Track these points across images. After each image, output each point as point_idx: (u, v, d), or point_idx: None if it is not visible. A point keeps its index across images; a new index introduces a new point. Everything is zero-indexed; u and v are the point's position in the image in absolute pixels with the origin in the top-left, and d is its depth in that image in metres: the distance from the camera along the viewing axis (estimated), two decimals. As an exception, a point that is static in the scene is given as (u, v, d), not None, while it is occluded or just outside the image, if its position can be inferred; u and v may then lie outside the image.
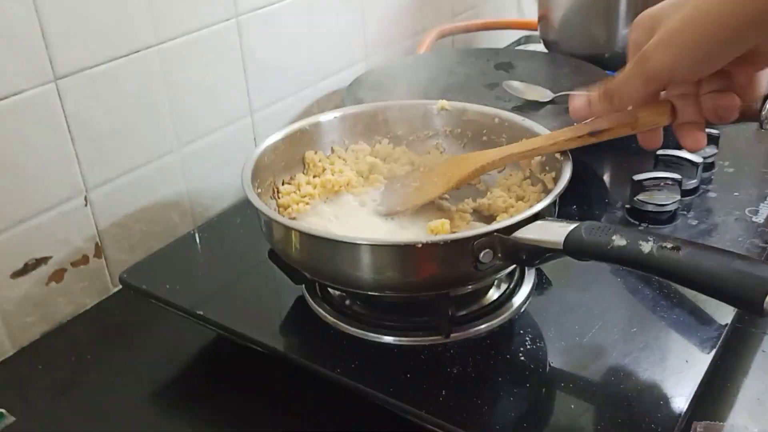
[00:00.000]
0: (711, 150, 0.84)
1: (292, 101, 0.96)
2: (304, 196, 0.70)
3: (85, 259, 0.76)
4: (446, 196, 0.71)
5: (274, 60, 0.91)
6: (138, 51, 0.75)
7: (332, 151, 0.76)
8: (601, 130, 0.60)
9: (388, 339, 0.62)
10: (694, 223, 0.75)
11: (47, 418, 0.64)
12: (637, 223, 0.76)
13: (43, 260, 0.72)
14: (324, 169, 0.73)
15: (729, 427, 0.58)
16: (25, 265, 0.71)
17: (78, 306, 0.76)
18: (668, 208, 0.76)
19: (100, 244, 0.77)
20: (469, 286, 0.62)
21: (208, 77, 0.84)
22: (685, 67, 0.52)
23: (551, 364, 0.59)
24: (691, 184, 0.79)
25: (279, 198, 0.70)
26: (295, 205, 0.69)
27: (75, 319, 0.76)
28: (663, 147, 0.81)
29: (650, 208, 0.76)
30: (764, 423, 0.59)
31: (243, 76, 0.88)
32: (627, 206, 0.78)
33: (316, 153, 0.74)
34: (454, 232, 0.64)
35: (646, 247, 0.50)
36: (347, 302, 0.66)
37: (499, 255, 0.56)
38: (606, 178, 0.89)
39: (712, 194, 0.80)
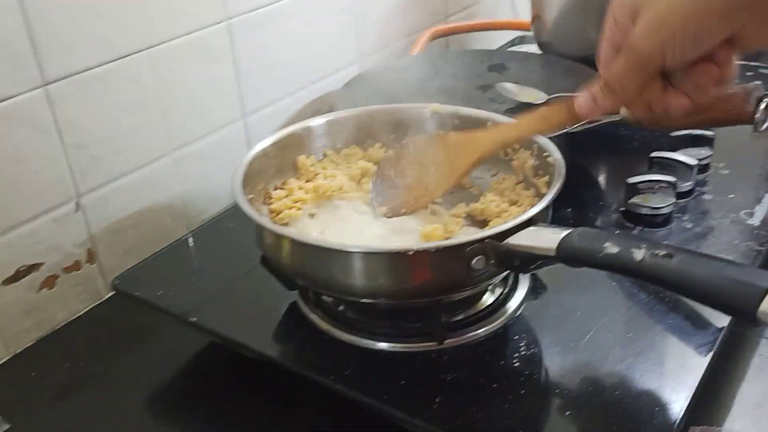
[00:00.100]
0: (706, 152, 0.84)
1: (285, 104, 0.95)
2: (296, 202, 0.69)
3: (77, 265, 0.76)
4: (439, 200, 0.70)
5: (266, 62, 0.91)
6: (128, 55, 0.75)
7: (324, 155, 0.75)
8: None
9: (382, 345, 0.62)
10: (689, 226, 0.75)
11: (42, 424, 0.64)
12: (631, 226, 0.75)
13: (35, 266, 0.72)
14: (316, 174, 0.73)
15: (726, 432, 0.58)
16: (17, 271, 0.70)
17: (71, 312, 0.76)
18: (663, 211, 0.75)
19: (92, 249, 0.77)
20: (463, 293, 0.61)
21: (200, 80, 0.83)
22: (675, 52, 0.52)
23: (546, 370, 0.59)
24: (685, 186, 0.79)
25: (271, 203, 0.70)
26: (287, 211, 0.68)
27: (69, 325, 0.75)
28: (657, 149, 0.82)
29: (645, 211, 0.75)
30: (762, 427, 0.59)
31: (235, 79, 0.87)
32: (622, 209, 0.78)
33: (308, 158, 0.74)
34: (447, 238, 0.64)
35: (639, 254, 0.49)
36: (341, 308, 0.65)
37: (492, 261, 0.56)
38: (601, 180, 0.89)
39: (707, 196, 0.79)
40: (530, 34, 1.15)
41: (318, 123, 0.75)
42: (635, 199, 0.76)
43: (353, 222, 0.68)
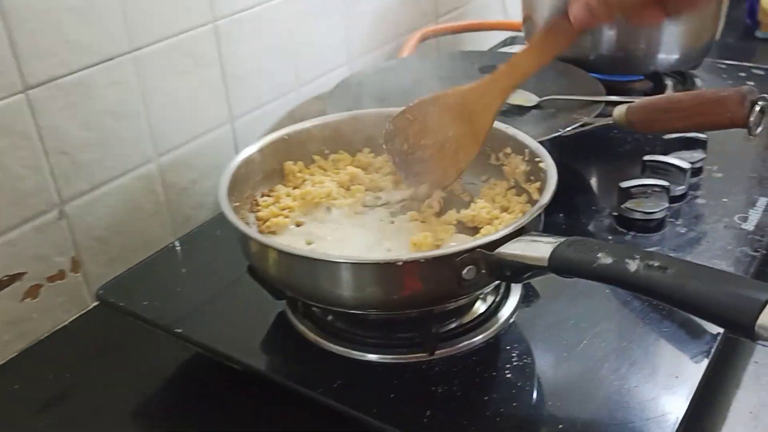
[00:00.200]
0: (699, 155, 0.83)
1: (273, 107, 0.94)
2: (284, 209, 0.68)
3: (61, 274, 0.74)
4: (433, 205, 0.69)
5: (253, 65, 0.89)
6: (112, 58, 0.73)
7: (312, 161, 0.74)
8: None
9: (372, 357, 0.61)
10: (683, 231, 0.74)
11: (27, 436, 0.63)
12: (624, 231, 0.75)
13: (18, 276, 0.71)
14: (304, 181, 0.72)
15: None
16: (-1, 281, 0.69)
17: (56, 322, 0.75)
18: (656, 216, 0.74)
19: (77, 258, 0.75)
20: (453, 303, 0.60)
21: (186, 84, 0.82)
22: None
23: (539, 381, 0.58)
24: (679, 190, 0.78)
25: (258, 211, 0.68)
26: (274, 219, 0.67)
27: (53, 336, 0.74)
28: (650, 153, 0.81)
29: (638, 216, 0.75)
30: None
31: (222, 83, 0.86)
32: (615, 214, 0.77)
33: (295, 164, 0.73)
34: (437, 246, 0.63)
35: (633, 265, 0.48)
36: (330, 318, 0.64)
37: (483, 271, 0.55)
38: (593, 184, 0.88)
39: (700, 200, 0.79)
40: (521, 35, 1.14)
41: (305, 127, 0.74)
42: (628, 204, 0.75)
43: (341, 230, 0.67)
